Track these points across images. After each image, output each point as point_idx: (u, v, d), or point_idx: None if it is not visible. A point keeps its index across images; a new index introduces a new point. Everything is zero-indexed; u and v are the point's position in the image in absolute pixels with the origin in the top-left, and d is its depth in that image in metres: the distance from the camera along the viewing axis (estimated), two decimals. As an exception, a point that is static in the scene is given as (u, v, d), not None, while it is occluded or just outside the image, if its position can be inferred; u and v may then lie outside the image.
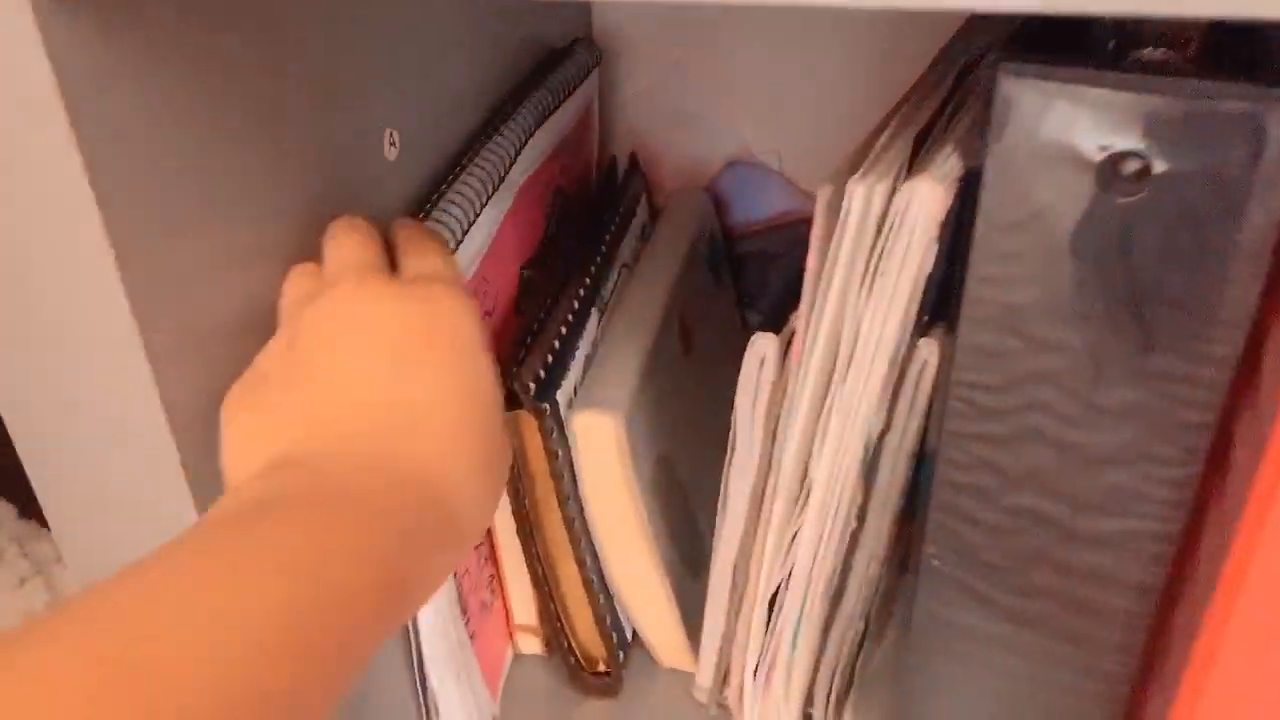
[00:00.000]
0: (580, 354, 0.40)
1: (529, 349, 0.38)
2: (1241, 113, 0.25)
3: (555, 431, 0.37)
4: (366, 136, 0.34)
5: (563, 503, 0.40)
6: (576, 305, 0.40)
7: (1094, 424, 0.31)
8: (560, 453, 0.38)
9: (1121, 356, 0.29)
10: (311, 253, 0.30)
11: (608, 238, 0.46)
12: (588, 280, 0.42)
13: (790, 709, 0.41)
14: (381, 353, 0.25)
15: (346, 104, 0.32)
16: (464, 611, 0.41)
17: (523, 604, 0.46)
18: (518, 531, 0.41)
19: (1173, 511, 0.31)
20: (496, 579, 0.45)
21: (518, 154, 0.41)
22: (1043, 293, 0.29)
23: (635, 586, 0.43)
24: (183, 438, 0.26)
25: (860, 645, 0.40)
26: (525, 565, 0.43)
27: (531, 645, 0.47)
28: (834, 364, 0.32)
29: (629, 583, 0.43)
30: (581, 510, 0.40)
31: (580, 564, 0.42)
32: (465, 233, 0.35)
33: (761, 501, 0.37)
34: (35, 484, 0.29)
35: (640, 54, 0.56)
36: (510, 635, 0.47)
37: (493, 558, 0.44)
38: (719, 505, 0.39)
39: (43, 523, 0.41)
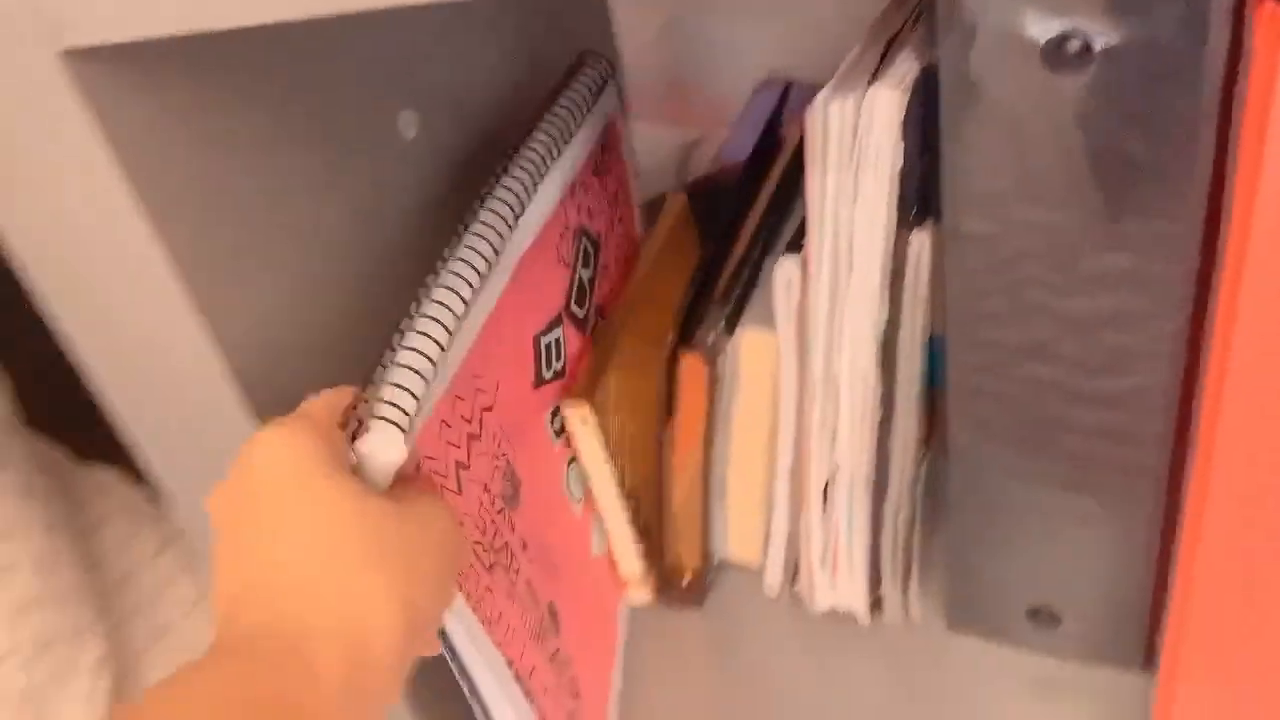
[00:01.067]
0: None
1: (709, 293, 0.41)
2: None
3: (723, 362, 0.41)
4: (388, 120, 0.38)
5: (709, 431, 0.43)
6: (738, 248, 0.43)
7: (1084, 292, 0.33)
8: (722, 383, 0.42)
9: (1097, 227, 0.31)
10: (341, 227, 0.35)
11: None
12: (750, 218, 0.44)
13: (857, 590, 0.45)
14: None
15: (369, 92, 0.36)
16: None
17: (625, 556, 0.48)
18: (653, 456, 0.44)
19: (1170, 364, 0.33)
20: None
21: (502, 245, 0.36)
22: (1013, 177, 0.31)
23: (752, 486, 0.46)
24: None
25: (913, 525, 0.43)
26: (629, 505, 0.46)
27: (641, 595, 0.49)
28: (838, 267, 0.35)
29: (745, 487, 0.46)
30: (725, 430, 0.44)
31: (705, 485, 0.46)
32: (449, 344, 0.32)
33: (801, 406, 0.41)
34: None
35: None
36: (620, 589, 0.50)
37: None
38: (779, 419, 0.42)
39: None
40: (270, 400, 0.32)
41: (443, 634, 0.33)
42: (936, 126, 0.32)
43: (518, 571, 0.39)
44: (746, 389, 0.43)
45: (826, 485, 0.42)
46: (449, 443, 0.34)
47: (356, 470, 0.28)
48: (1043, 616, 0.42)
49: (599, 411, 0.44)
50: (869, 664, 0.46)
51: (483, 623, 0.35)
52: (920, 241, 0.35)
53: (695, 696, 0.46)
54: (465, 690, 0.36)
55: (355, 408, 0.30)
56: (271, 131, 0.32)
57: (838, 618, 0.47)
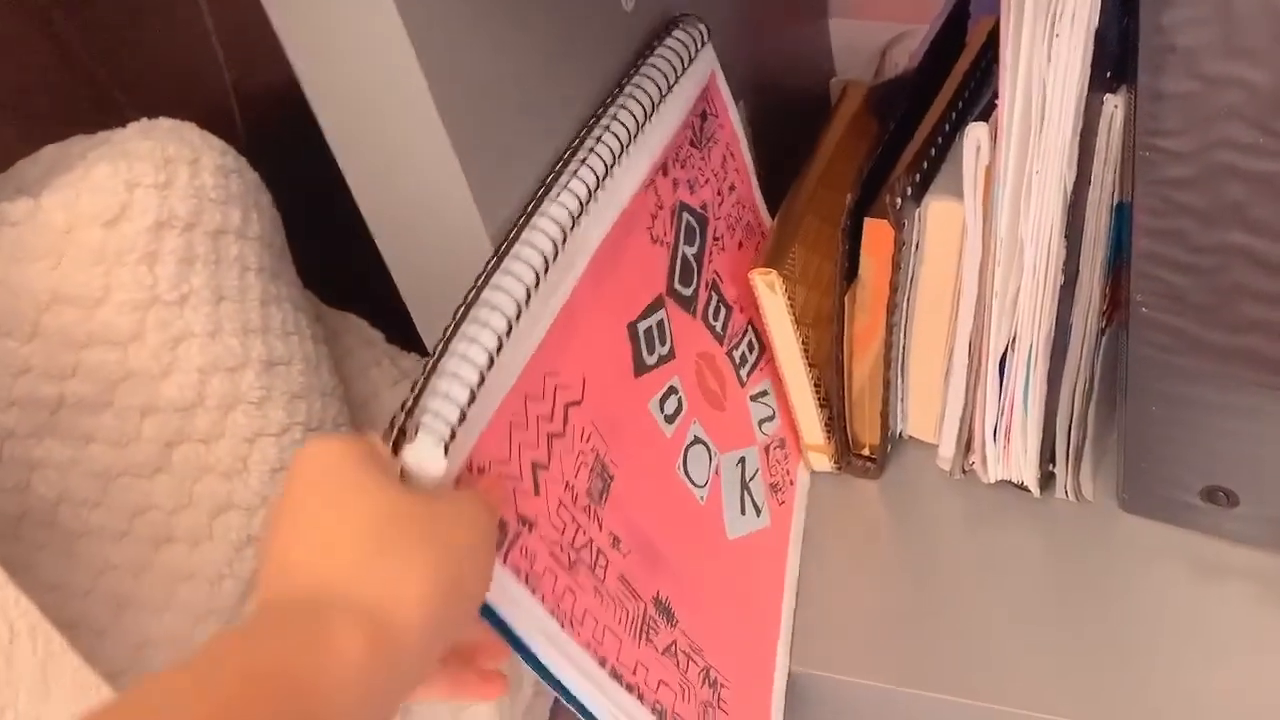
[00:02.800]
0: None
1: (891, 164, 0.43)
2: None
3: (910, 225, 0.42)
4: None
5: (894, 298, 0.45)
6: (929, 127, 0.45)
7: (1282, 152, 0.33)
8: (909, 246, 0.43)
9: (1301, 82, 0.31)
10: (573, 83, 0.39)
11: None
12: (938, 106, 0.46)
13: (1029, 464, 0.46)
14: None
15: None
16: None
17: (809, 425, 0.51)
18: (836, 325, 0.46)
19: (1372, 228, 0.33)
20: (785, 396, 0.49)
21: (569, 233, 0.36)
22: (1214, 32, 0.32)
23: (933, 362, 0.48)
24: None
25: (1089, 400, 0.44)
26: (813, 376, 0.48)
27: (821, 463, 0.53)
28: (1029, 126, 0.36)
29: (926, 358, 0.48)
30: (910, 302, 0.46)
31: (888, 355, 0.48)
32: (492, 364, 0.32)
33: (983, 273, 0.42)
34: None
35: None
36: (799, 453, 0.53)
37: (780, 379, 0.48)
38: (955, 292, 0.44)
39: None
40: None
41: (522, 646, 0.33)
42: (1136, -14, 0.32)
43: (605, 568, 0.38)
44: (932, 261, 0.45)
45: (1004, 355, 0.43)
46: (521, 444, 0.34)
47: (404, 477, 0.30)
48: (1219, 497, 0.42)
49: (786, 279, 0.46)
50: (1036, 540, 0.47)
51: (564, 625, 0.34)
52: (1114, 102, 0.35)
53: (868, 563, 0.49)
54: (561, 699, 0.35)
55: (404, 413, 0.30)
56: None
57: (1009, 492, 0.48)
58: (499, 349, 0.31)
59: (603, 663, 0.36)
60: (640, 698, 0.37)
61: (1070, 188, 0.37)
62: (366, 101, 0.33)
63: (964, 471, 0.49)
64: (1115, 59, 0.35)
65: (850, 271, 0.46)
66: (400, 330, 0.50)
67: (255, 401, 0.35)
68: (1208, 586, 0.43)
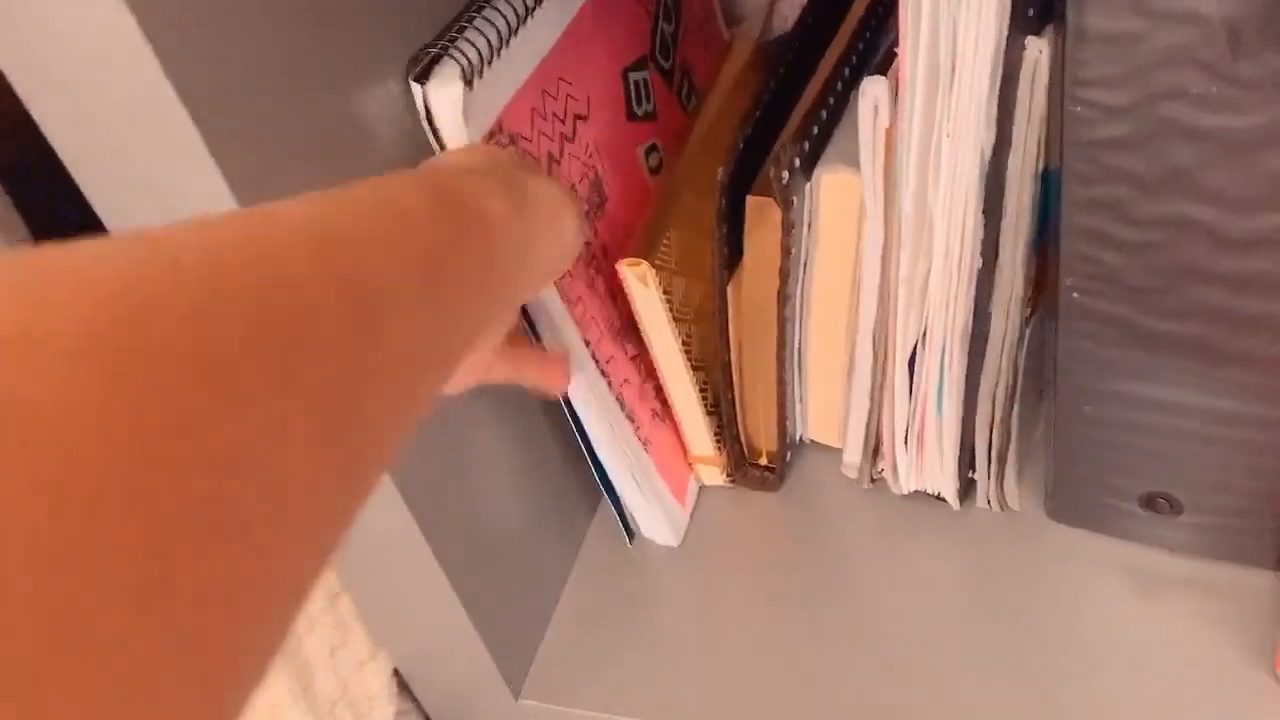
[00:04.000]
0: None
1: (774, 129, 0.38)
2: None
3: (800, 202, 0.37)
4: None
5: (784, 285, 0.39)
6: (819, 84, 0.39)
7: (1240, 103, 0.27)
8: (798, 223, 0.38)
9: (1263, 18, 0.26)
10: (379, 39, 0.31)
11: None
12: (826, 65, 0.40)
13: (946, 472, 0.40)
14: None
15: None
16: (633, 421, 0.42)
17: (695, 434, 0.46)
18: (723, 320, 0.41)
19: (1344, 193, 0.27)
20: (663, 399, 0.45)
21: None
22: (1161, -47, 0.25)
23: (835, 359, 0.42)
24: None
25: (1012, 400, 0.38)
26: (698, 378, 0.43)
27: (712, 477, 0.47)
28: (937, 79, 0.30)
29: (826, 354, 0.42)
30: (803, 290, 0.40)
31: (781, 352, 0.41)
32: (507, 40, 0.34)
33: (887, 256, 0.36)
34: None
35: None
36: (689, 467, 0.47)
37: (654, 377, 0.44)
38: (855, 279, 0.38)
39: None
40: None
41: (525, 309, 0.37)
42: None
43: (597, 271, 0.41)
44: (827, 243, 0.38)
45: (914, 350, 0.37)
46: (541, 132, 0.37)
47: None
48: (1160, 504, 0.37)
49: (660, 269, 0.39)
50: (957, 555, 0.41)
51: (564, 301, 0.38)
52: (1038, 46, 0.29)
53: (769, 583, 0.43)
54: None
55: (432, 47, 0.32)
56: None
57: (925, 502, 0.42)
58: (518, 25, 0.35)
59: (587, 343, 0.39)
60: (608, 382, 0.41)
61: (988, 152, 0.31)
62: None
63: (872, 481, 0.43)
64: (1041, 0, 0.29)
65: (733, 258, 0.39)
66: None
67: None
68: (1145, 603, 0.38)
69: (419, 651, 0.40)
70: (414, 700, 0.44)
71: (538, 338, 0.37)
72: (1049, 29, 0.30)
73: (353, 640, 0.40)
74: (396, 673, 0.42)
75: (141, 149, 0.26)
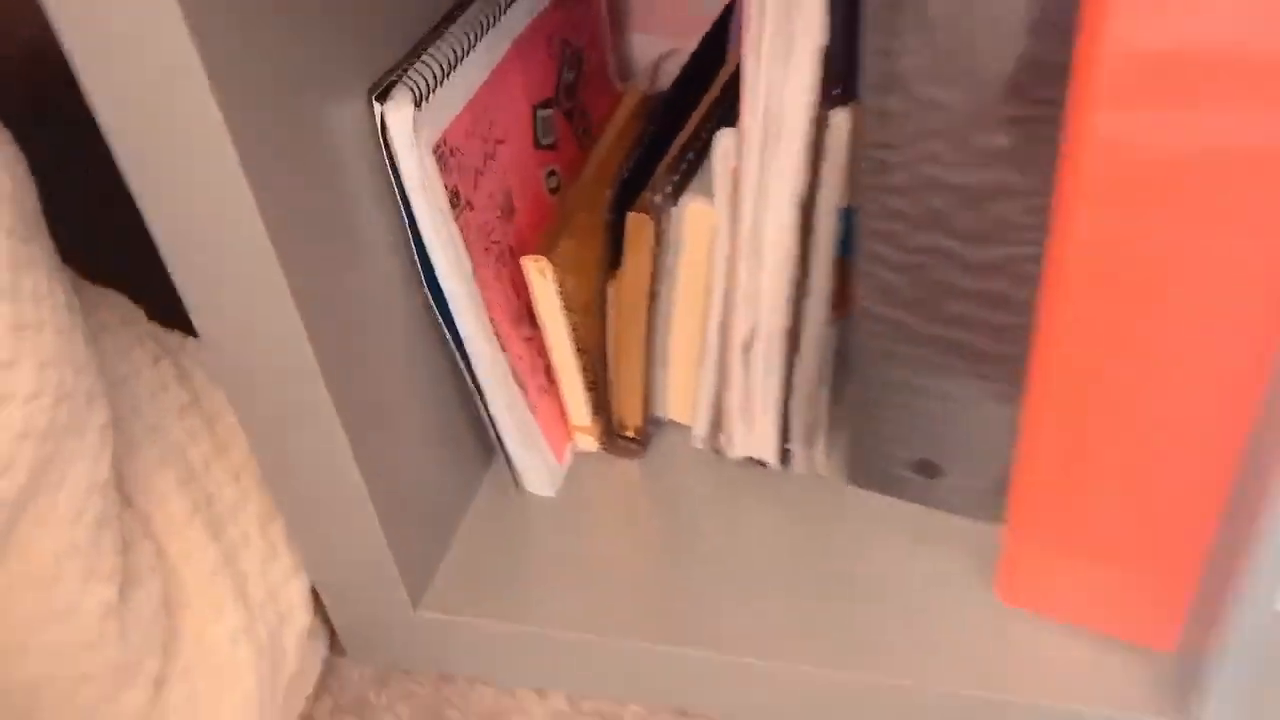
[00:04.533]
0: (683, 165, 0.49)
1: (653, 163, 0.48)
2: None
3: (667, 221, 0.47)
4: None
5: (654, 288, 0.49)
6: (688, 131, 0.50)
7: (975, 167, 0.39)
8: (667, 240, 0.48)
9: (988, 109, 0.37)
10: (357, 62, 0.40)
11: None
12: (695, 114, 0.51)
13: (769, 441, 0.51)
14: None
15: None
16: (524, 390, 0.51)
17: (576, 406, 0.55)
18: (604, 314, 0.50)
19: (1040, 235, 0.39)
20: (551, 376, 0.54)
21: (508, 7, 0.49)
22: (922, 61, 0.37)
23: (691, 349, 0.52)
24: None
25: (820, 382, 0.49)
26: (581, 360, 0.52)
27: (587, 444, 0.57)
28: (767, 136, 0.41)
29: (684, 346, 0.52)
30: (668, 293, 0.50)
31: (648, 342, 0.51)
32: (448, 73, 0.43)
33: (731, 267, 0.46)
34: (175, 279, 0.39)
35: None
36: (569, 435, 0.56)
37: (545, 356, 0.54)
38: (713, 281, 0.48)
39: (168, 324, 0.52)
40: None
41: (438, 289, 0.45)
42: (859, 14, 0.37)
43: (503, 265, 0.50)
44: (688, 255, 0.49)
45: (748, 340, 0.48)
46: (472, 149, 0.47)
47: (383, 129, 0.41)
48: (927, 469, 0.48)
49: (557, 267, 0.49)
50: (777, 509, 0.52)
51: (477, 285, 0.47)
52: (840, 116, 0.40)
53: (629, 527, 0.52)
54: (450, 337, 0.48)
55: (389, 75, 0.41)
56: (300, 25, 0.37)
57: (753, 468, 0.53)
58: (457, 61, 0.44)
59: (492, 322, 0.48)
60: (506, 358, 0.50)
61: (803, 192, 0.42)
62: (135, 70, 0.33)
63: (715, 450, 0.54)
64: (843, 78, 0.40)
65: (614, 263, 0.49)
66: (163, 309, 0.49)
67: (5, 362, 0.34)
68: (921, 550, 0.49)
69: (333, 565, 0.48)
70: (323, 612, 0.52)
71: (449, 317, 0.47)
72: (851, 104, 0.41)
73: (280, 557, 0.48)
74: (314, 590, 0.50)
75: (167, 125, 0.34)
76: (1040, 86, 0.36)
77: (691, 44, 0.66)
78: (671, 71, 0.70)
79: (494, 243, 0.49)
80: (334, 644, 0.54)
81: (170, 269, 0.38)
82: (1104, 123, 0.32)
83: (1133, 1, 0.29)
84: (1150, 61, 0.30)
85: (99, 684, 0.39)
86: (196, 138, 0.34)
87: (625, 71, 0.70)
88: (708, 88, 0.53)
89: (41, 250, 0.38)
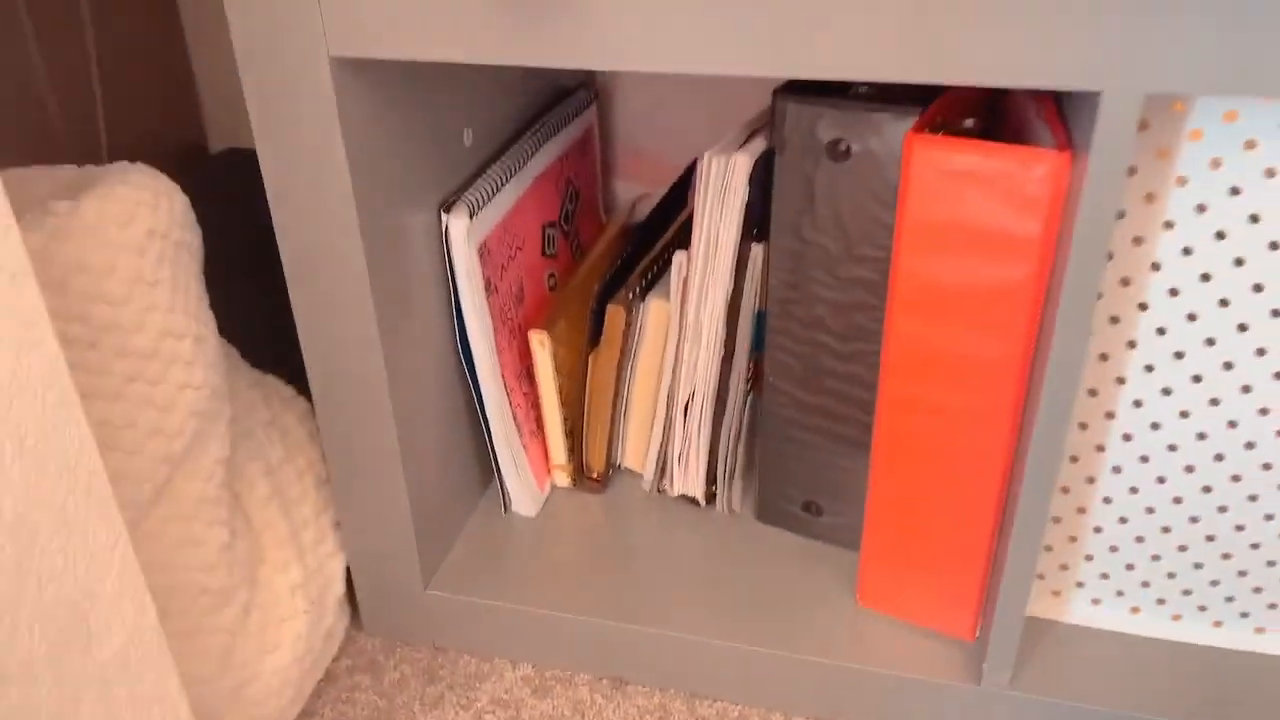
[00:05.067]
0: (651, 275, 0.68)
1: (628, 272, 0.67)
2: (880, 120, 0.52)
3: (636, 314, 0.65)
4: (456, 132, 0.62)
5: (622, 362, 0.67)
6: (655, 251, 0.69)
7: (843, 288, 0.58)
8: (634, 327, 0.66)
9: (851, 251, 0.56)
10: (413, 188, 0.59)
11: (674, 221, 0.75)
12: (660, 240, 0.71)
13: (699, 483, 0.68)
14: None
15: (452, 118, 0.61)
16: (519, 431, 0.69)
17: (556, 449, 0.73)
18: (584, 380, 0.68)
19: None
20: (540, 424, 0.72)
21: (533, 154, 0.69)
22: (808, 215, 0.56)
23: (645, 415, 0.70)
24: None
25: (740, 439, 0.67)
26: (563, 414, 0.70)
27: (562, 480, 0.74)
28: (708, 259, 0.60)
29: (642, 409, 0.70)
30: (632, 367, 0.68)
31: (614, 404, 0.69)
32: (492, 197, 0.63)
33: (679, 347, 0.65)
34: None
35: (628, 92, 0.84)
36: (549, 471, 0.74)
37: (537, 408, 0.71)
38: (665, 357, 0.67)
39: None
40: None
41: (469, 347, 0.63)
42: (771, 181, 0.57)
43: (514, 338, 0.68)
44: (649, 340, 0.67)
45: (687, 403, 0.66)
46: (503, 251, 0.65)
47: (446, 238, 0.60)
48: (812, 509, 0.66)
49: (552, 340, 0.67)
50: (702, 536, 0.69)
51: (496, 344, 0.64)
52: (757, 250, 0.60)
53: (589, 544, 0.69)
54: (471, 384, 0.65)
55: (452, 195, 0.61)
56: (409, 128, 0.56)
57: (687, 504, 0.70)
58: (498, 191, 0.64)
59: (502, 376, 0.65)
60: (510, 403, 0.67)
61: (729, 298, 0.61)
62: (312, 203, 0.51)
63: (659, 491, 0.71)
64: (759, 224, 0.59)
65: (595, 341, 0.67)
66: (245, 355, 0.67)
67: (188, 361, 0.51)
68: (804, 566, 0.66)
69: (368, 547, 0.64)
70: (351, 594, 0.68)
71: (473, 369, 0.64)
72: (765, 241, 0.60)
73: (327, 540, 0.64)
74: (348, 571, 0.66)
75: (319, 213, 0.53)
76: (882, 239, 0.55)
77: (661, 191, 0.87)
78: (644, 210, 0.90)
79: (509, 319, 0.68)
80: (353, 621, 0.69)
81: (296, 313, 0.56)
82: (908, 264, 0.51)
83: (921, 192, 0.49)
84: (936, 229, 0.49)
85: (211, 598, 0.55)
86: (338, 224, 0.53)
87: (610, 207, 0.90)
88: (670, 223, 0.73)
89: (206, 293, 0.55)
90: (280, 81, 0.50)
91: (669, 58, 0.44)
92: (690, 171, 0.76)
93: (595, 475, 0.72)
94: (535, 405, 0.71)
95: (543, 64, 0.46)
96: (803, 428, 0.63)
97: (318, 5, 0.47)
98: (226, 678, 0.57)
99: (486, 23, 0.45)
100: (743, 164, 0.56)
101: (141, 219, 0.49)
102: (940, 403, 0.54)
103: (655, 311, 0.66)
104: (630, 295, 0.65)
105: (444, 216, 0.60)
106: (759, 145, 0.58)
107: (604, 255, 0.77)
